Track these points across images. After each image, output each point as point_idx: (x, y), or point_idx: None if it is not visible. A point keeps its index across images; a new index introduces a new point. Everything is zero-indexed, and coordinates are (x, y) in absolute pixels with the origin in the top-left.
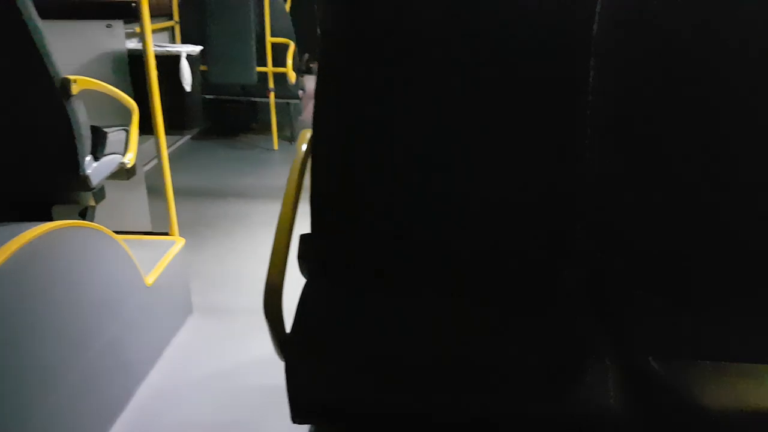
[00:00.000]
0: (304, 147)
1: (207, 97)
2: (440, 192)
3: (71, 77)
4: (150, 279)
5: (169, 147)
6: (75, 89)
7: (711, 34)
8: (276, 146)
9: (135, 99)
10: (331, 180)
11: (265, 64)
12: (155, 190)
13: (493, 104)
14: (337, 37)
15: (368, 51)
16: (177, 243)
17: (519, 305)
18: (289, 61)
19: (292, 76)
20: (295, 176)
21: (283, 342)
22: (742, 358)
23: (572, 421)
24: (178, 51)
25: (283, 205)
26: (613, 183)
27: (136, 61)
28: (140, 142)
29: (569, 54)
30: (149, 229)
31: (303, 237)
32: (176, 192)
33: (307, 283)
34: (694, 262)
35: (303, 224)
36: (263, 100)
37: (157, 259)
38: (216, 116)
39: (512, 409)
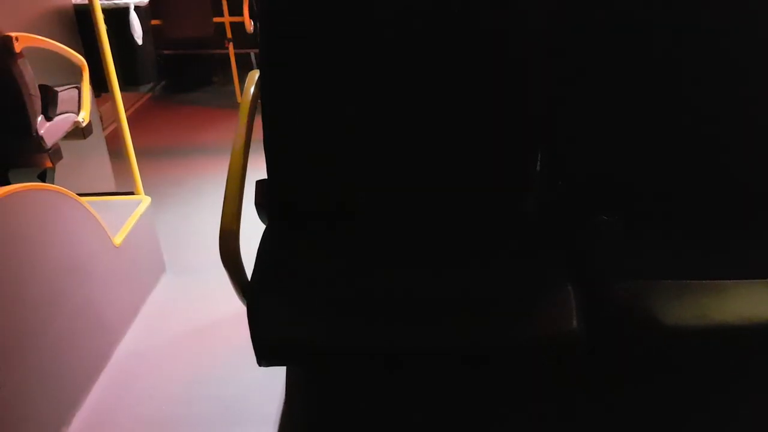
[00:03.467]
0: (252, 90)
1: (164, 52)
2: (395, 129)
3: (13, 34)
4: (118, 239)
5: (129, 106)
6: (18, 47)
7: None
8: (239, 99)
9: (86, 56)
10: (284, 124)
11: (221, 14)
12: (119, 151)
13: (445, 41)
14: None
15: None
16: (143, 202)
17: (481, 237)
18: (246, 9)
19: (249, 25)
20: (245, 120)
21: (244, 287)
22: (703, 276)
23: (539, 345)
24: (126, 3)
25: (233, 150)
26: (570, 112)
27: (84, 16)
28: (100, 103)
29: None
30: (113, 190)
31: (259, 183)
32: (140, 152)
33: (266, 228)
34: (651, 184)
35: (260, 171)
36: (222, 52)
37: (123, 220)
38: (175, 72)
39: (480, 338)
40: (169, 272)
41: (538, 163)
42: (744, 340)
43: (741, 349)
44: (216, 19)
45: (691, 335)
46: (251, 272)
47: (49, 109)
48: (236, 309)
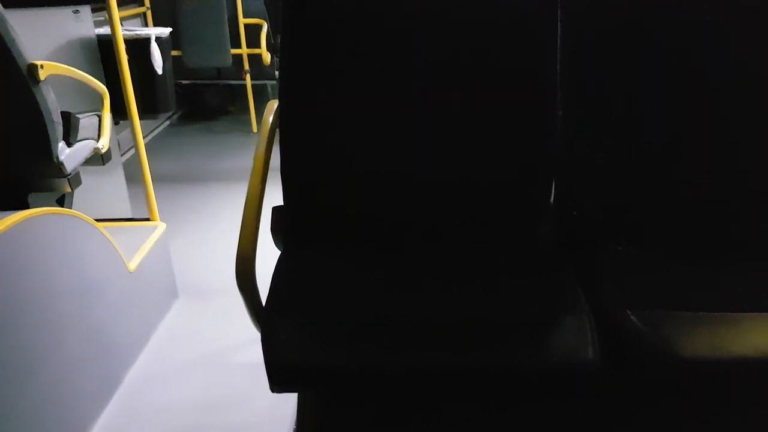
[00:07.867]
0: (270, 119)
1: (183, 82)
2: (410, 160)
3: (38, 62)
4: (132, 264)
5: (147, 134)
6: (42, 74)
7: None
8: (255, 129)
9: (108, 84)
10: (301, 152)
11: (239, 46)
12: (136, 177)
13: (458, 74)
14: (300, 14)
15: (332, 25)
16: (158, 228)
17: (497, 265)
18: (263, 42)
19: (266, 57)
20: (263, 148)
21: (259, 313)
22: (719, 308)
23: (554, 374)
24: (147, 34)
25: (252, 177)
26: (586, 141)
27: (106, 46)
28: (119, 130)
29: (537, 22)
30: (129, 215)
31: (275, 209)
32: (156, 178)
33: (281, 254)
34: (668, 215)
35: (276, 197)
36: (239, 82)
37: (138, 245)
38: (193, 101)
39: (495, 364)
40: (181, 297)
41: (553, 193)
42: (762, 373)
43: (759, 382)
44: (234, 51)
45: (707, 366)
46: (265, 297)
47: (71, 136)
48: (247, 335)
